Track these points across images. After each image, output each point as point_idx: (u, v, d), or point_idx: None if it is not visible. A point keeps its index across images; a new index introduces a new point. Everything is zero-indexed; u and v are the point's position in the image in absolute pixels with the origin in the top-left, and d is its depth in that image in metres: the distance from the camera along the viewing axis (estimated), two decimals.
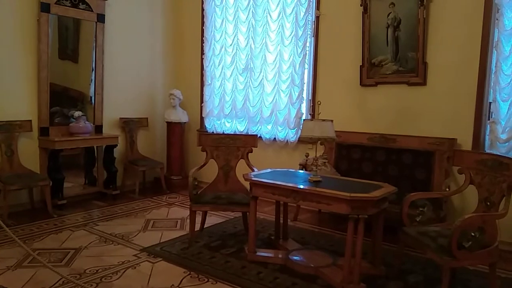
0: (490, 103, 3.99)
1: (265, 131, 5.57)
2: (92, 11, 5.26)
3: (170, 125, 6.10)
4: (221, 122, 6.06)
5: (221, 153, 4.16)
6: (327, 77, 5.07)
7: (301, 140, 5.06)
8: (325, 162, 4.58)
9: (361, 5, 4.61)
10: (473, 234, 2.64)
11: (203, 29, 6.10)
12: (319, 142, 3.43)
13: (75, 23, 5.23)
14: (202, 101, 6.22)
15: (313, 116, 5.02)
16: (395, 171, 4.36)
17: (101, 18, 5.37)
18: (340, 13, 4.89)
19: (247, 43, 5.64)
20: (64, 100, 5.25)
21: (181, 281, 3.05)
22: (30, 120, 4.76)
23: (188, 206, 3.85)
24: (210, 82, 6.07)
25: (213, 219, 4.54)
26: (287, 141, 5.35)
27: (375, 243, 3.24)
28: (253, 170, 3.91)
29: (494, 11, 3.90)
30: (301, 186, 3.17)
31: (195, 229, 3.92)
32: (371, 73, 4.67)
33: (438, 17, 4.21)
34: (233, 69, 5.81)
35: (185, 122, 6.22)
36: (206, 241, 3.89)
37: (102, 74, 5.49)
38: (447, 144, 4.12)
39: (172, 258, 3.46)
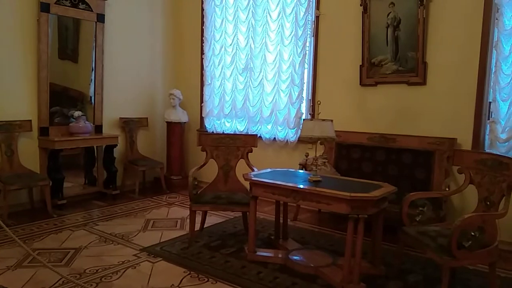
0: (490, 102, 3.99)
1: (265, 131, 5.57)
2: (92, 11, 5.26)
3: (170, 125, 6.10)
4: (221, 122, 6.06)
5: (221, 153, 4.16)
6: (327, 77, 5.07)
7: (301, 140, 5.06)
8: (325, 162, 4.59)
9: (361, 5, 4.61)
10: (473, 233, 2.64)
11: (203, 29, 6.10)
12: (319, 142, 3.43)
13: (75, 23, 5.23)
14: (202, 101, 6.22)
15: (313, 116, 5.03)
16: (395, 171, 4.36)
17: (101, 18, 5.37)
18: (340, 13, 4.89)
19: (247, 43, 5.64)
20: (64, 100, 5.25)
21: (181, 281, 3.05)
22: (30, 120, 4.76)
23: (188, 206, 3.85)
24: (210, 82, 6.07)
25: (213, 219, 4.54)
26: (287, 141, 5.35)
27: (375, 242, 3.24)
28: (253, 170, 3.91)
29: (493, 11, 3.90)
30: (301, 186, 3.17)
31: (195, 229, 3.92)
32: (371, 73, 4.67)
33: (438, 17, 4.22)
34: (233, 69, 5.81)
35: (185, 122, 6.22)
36: (206, 241, 3.89)
37: (102, 74, 5.49)
38: (447, 143, 4.12)
39: (172, 258, 3.46)
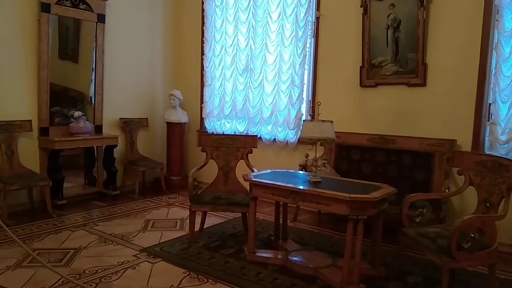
0: (490, 104, 3.99)
1: (265, 131, 5.57)
2: (92, 11, 5.26)
3: (170, 125, 6.11)
4: (221, 123, 6.06)
5: (221, 153, 4.16)
6: (327, 78, 5.07)
7: (301, 141, 5.05)
8: (324, 163, 4.59)
9: (361, 6, 4.61)
10: (472, 235, 2.64)
11: (203, 30, 6.10)
12: (319, 142, 3.43)
13: (75, 23, 5.23)
14: (202, 102, 6.22)
15: (313, 116, 5.03)
16: (394, 172, 4.36)
17: (101, 18, 5.37)
18: (340, 14, 4.89)
19: (247, 44, 5.64)
20: (64, 100, 5.25)
21: (180, 281, 3.05)
22: (30, 120, 4.77)
23: (188, 207, 3.85)
24: (210, 82, 6.08)
25: (212, 220, 4.54)
26: (287, 141, 5.35)
27: (374, 244, 3.24)
28: (252, 171, 3.92)
29: (494, 13, 3.91)
30: (301, 187, 3.17)
31: (195, 230, 3.92)
32: (371, 74, 4.67)
33: (438, 18, 4.22)
34: (233, 70, 5.82)
35: (185, 123, 6.22)
36: (206, 241, 3.89)
37: (102, 74, 5.49)
38: (446, 145, 4.12)
39: (171, 258, 3.46)
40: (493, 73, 3.90)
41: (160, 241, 3.87)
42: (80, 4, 5.12)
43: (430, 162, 4.18)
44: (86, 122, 5.17)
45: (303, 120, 4.20)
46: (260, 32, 5.49)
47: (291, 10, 5.15)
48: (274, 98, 5.41)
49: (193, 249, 3.67)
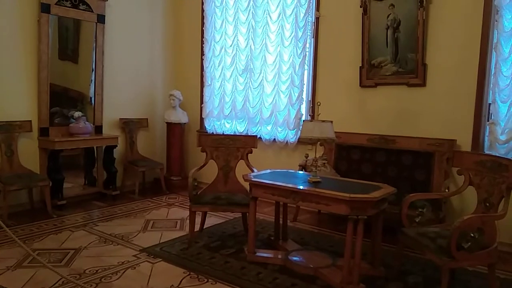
0: (490, 104, 4.00)
1: (265, 132, 5.58)
2: (92, 11, 5.26)
3: (170, 125, 6.11)
4: (221, 123, 6.07)
5: (220, 153, 4.17)
6: (327, 78, 5.08)
7: (300, 141, 5.06)
8: (324, 163, 4.59)
9: (360, 6, 4.61)
10: (472, 235, 2.65)
11: (203, 30, 6.10)
12: (318, 143, 3.43)
13: (75, 23, 5.23)
14: (202, 102, 6.23)
15: (312, 117, 5.03)
16: (394, 172, 4.36)
17: (101, 18, 5.38)
18: (340, 14, 4.90)
19: (247, 44, 5.64)
20: (64, 100, 5.25)
21: (180, 281, 3.05)
22: (30, 121, 4.77)
23: (188, 207, 3.85)
24: (210, 83, 6.08)
25: (212, 220, 4.55)
26: (287, 142, 5.35)
27: (374, 244, 3.25)
28: (252, 171, 3.92)
29: (493, 13, 3.91)
30: (301, 187, 3.18)
31: (195, 230, 3.92)
32: (370, 74, 4.68)
33: (437, 19, 4.22)
34: (233, 70, 5.82)
35: (185, 123, 6.23)
36: (206, 241, 3.89)
37: (102, 75, 5.49)
38: (446, 145, 4.13)
39: (171, 258, 3.47)
40: (492, 73, 3.91)
41: (160, 241, 3.87)
42: (80, 4, 5.12)
43: (430, 162, 4.18)
44: (86, 122, 5.17)
45: (303, 120, 4.20)
46: (260, 32, 5.50)
47: (290, 10, 5.16)
48: (274, 98, 5.41)
49: (193, 249, 3.67)
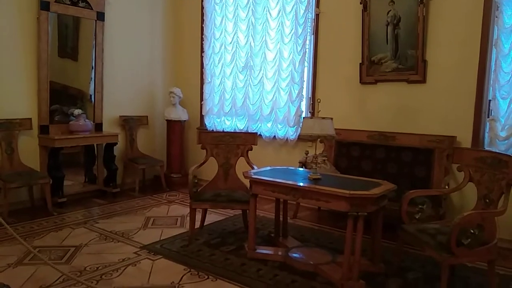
0: (490, 100, 3.99)
1: (265, 129, 5.57)
2: (91, 9, 5.25)
3: (170, 123, 6.11)
4: (221, 120, 6.06)
5: (221, 151, 4.17)
6: (327, 75, 5.07)
7: (300, 138, 5.06)
8: (324, 160, 4.58)
9: (360, 3, 4.60)
10: (472, 231, 2.65)
11: (203, 27, 6.09)
12: (318, 140, 3.43)
13: (74, 21, 5.22)
14: (202, 99, 6.22)
15: (312, 114, 5.03)
16: (394, 169, 4.37)
17: (100, 16, 5.36)
18: (340, 11, 4.89)
19: (246, 41, 5.64)
20: (64, 98, 5.25)
21: (181, 278, 3.06)
22: (30, 118, 4.77)
23: (188, 204, 3.86)
24: (210, 80, 6.07)
25: (213, 217, 4.55)
26: (287, 139, 5.35)
27: (374, 240, 3.25)
28: (252, 168, 3.91)
29: (493, 9, 3.90)
30: (301, 184, 3.18)
31: (195, 227, 3.92)
32: (370, 71, 4.67)
33: (437, 15, 4.22)
34: (233, 67, 5.81)
35: (185, 120, 6.23)
36: (206, 238, 3.90)
37: (102, 72, 5.49)
38: (446, 141, 4.13)
39: (172, 255, 3.47)
40: (493, 69, 3.90)
41: (161, 238, 3.88)
42: (80, 2, 5.11)
43: (430, 159, 4.18)
44: (86, 120, 5.17)
45: (303, 117, 4.20)
46: (260, 29, 5.49)
47: (290, 7, 5.15)
48: (274, 96, 5.41)
49: (194, 246, 3.68)
